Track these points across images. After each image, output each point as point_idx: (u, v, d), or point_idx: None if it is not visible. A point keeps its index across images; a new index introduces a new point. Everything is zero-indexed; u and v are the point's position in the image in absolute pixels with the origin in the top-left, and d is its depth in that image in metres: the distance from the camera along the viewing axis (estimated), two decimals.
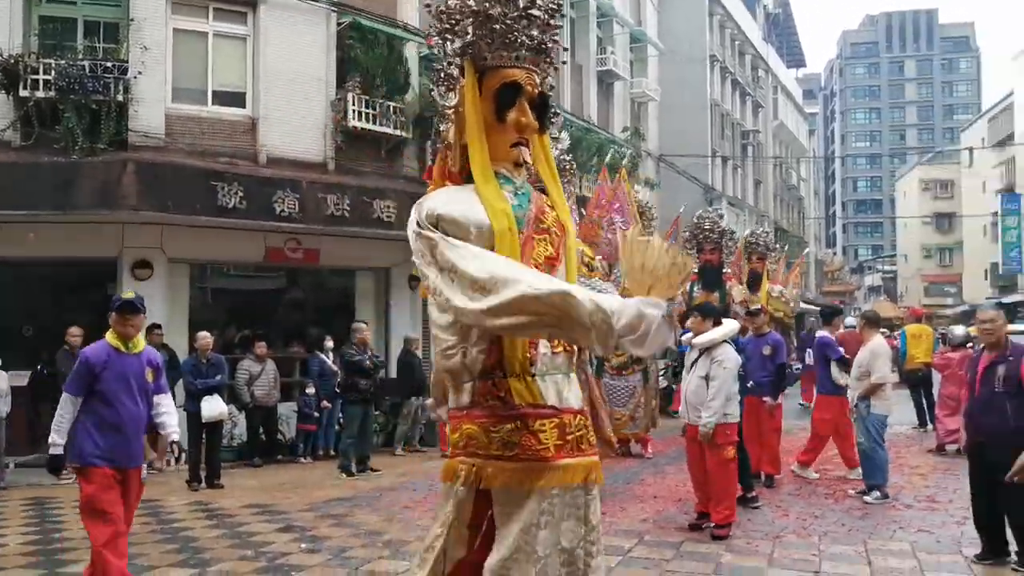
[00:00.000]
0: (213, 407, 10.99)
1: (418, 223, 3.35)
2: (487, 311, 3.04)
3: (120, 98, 12.66)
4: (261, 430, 13.26)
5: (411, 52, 16.37)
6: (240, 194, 12.98)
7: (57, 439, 5.61)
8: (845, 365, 10.37)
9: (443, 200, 3.43)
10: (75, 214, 12.33)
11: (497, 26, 3.51)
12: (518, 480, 3.30)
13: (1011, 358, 6.76)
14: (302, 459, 13.34)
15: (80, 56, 12.76)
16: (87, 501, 5.58)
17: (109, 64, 12.65)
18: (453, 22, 3.57)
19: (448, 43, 3.61)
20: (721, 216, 16.44)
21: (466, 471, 3.34)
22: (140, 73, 12.82)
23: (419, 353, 14.67)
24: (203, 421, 10.96)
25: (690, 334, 8.34)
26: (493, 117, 3.53)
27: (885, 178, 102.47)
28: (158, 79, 13.21)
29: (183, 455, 6.13)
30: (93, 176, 12.30)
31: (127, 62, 12.80)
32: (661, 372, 15.28)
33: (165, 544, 7.79)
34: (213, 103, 14.06)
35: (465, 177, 3.61)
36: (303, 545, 7.72)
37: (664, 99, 31.96)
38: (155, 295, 13.15)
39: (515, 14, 3.52)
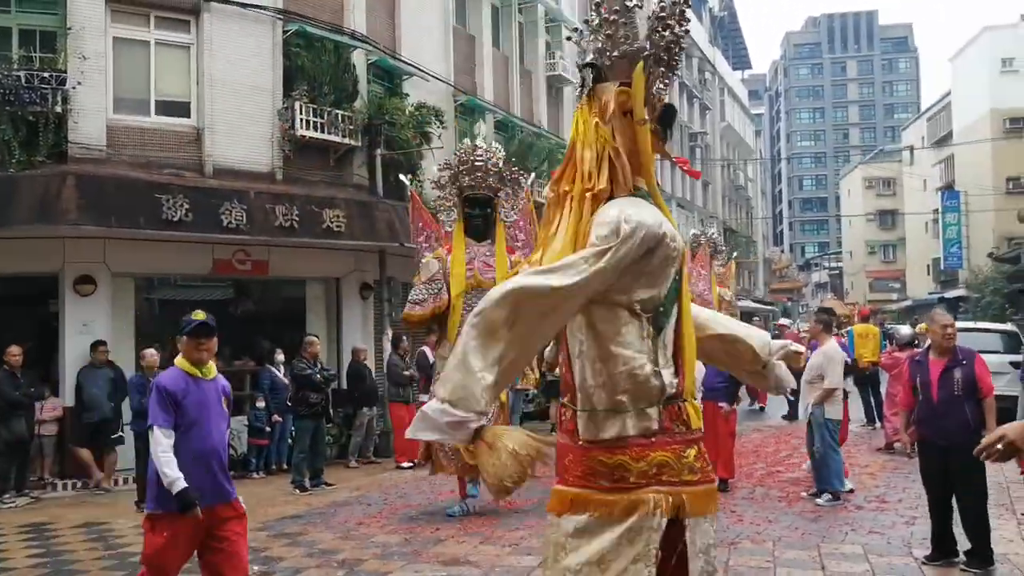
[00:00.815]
0: None
1: (650, 231, 3.22)
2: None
3: (58, 109, 12.33)
4: None
5: (359, 59, 16.22)
6: (186, 206, 12.71)
7: (171, 472, 4.89)
8: None
9: (651, 214, 3.31)
10: (13, 229, 11.98)
11: (673, 47, 3.50)
12: (705, 505, 3.37)
13: (964, 362, 6.98)
14: (254, 474, 13.11)
15: (15, 66, 12.38)
16: (150, 557, 5.05)
17: (46, 74, 12.30)
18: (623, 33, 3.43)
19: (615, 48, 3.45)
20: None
21: (664, 502, 3.25)
22: (79, 83, 12.49)
23: (368, 364, 14.51)
24: None
25: None
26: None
27: (830, 176, 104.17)
28: (98, 89, 12.88)
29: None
30: (31, 190, 11.96)
31: (65, 72, 12.45)
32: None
33: (112, 571, 7.59)
34: (156, 113, 13.76)
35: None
36: (256, 567, 7.53)
37: None
38: (99, 311, 12.89)
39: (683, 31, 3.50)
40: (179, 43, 14.08)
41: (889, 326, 22.60)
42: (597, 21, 3.43)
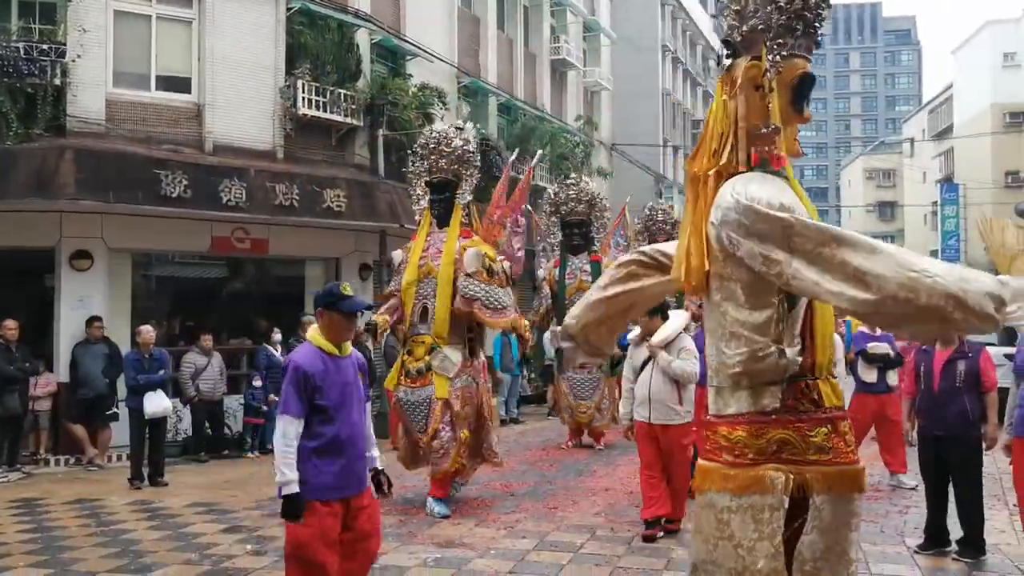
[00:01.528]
0: (156, 403, 10.64)
1: (769, 204, 3.14)
2: (874, 301, 2.89)
3: (57, 82, 12.18)
4: (207, 424, 12.93)
5: (362, 39, 16.10)
6: (185, 183, 12.59)
7: (290, 474, 4.51)
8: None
9: (775, 190, 3.23)
10: (9, 203, 11.85)
11: (807, 14, 3.39)
12: (838, 484, 3.28)
13: (970, 355, 7.04)
14: (249, 454, 13.03)
15: (14, 37, 12.21)
16: (297, 548, 4.62)
17: (46, 46, 12.14)
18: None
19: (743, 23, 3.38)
20: (672, 207, 16.30)
21: (785, 479, 3.22)
22: (79, 56, 12.33)
23: (369, 345, 14.42)
24: (146, 418, 10.61)
25: (636, 332, 7.99)
26: (789, 108, 3.42)
27: (831, 167, 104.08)
28: (98, 63, 12.74)
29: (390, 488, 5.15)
30: (29, 163, 11.84)
31: (65, 44, 12.30)
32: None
33: (104, 548, 7.50)
34: (156, 88, 13.62)
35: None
36: (249, 547, 7.50)
37: (617, 88, 31.97)
38: (95, 286, 12.79)
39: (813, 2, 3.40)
40: (181, 18, 13.92)
41: None
42: None
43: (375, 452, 5.03)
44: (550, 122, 23.84)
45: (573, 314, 4.70)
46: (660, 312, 7.71)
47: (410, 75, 17.29)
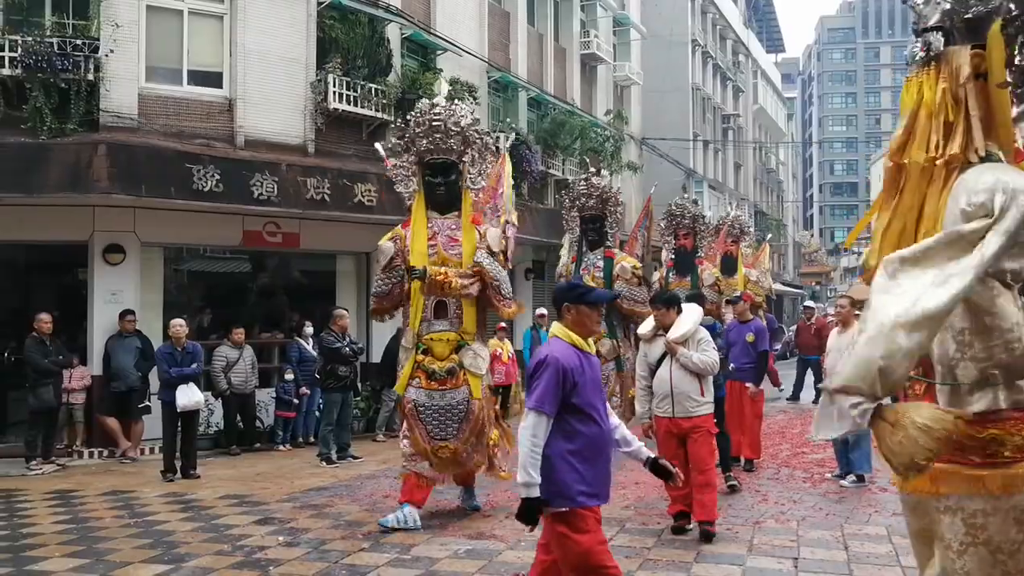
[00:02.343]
0: (189, 396, 10.68)
1: None
2: None
3: (90, 77, 12.24)
4: (238, 418, 12.99)
5: (393, 33, 16.09)
6: (216, 177, 12.63)
7: (534, 475, 4.17)
8: None
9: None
10: (43, 197, 11.93)
11: None
12: None
13: None
14: (281, 447, 13.08)
15: (48, 33, 12.27)
16: (584, 556, 4.20)
17: (79, 41, 12.21)
18: None
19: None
20: (695, 202, 16.18)
21: None
22: (112, 51, 12.39)
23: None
24: (178, 411, 10.66)
25: (650, 327, 7.73)
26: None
27: (860, 161, 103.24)
28: (131, 57, 12.81)
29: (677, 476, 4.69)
30: (62, 158, 11.90)
31: (98, 39, 12.36)
32: None
33: (138, 539, 7.52)
34: (188, 83, 13.67)
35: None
36: (281, 538, 7.49)
37: (646, 83, 31.78)
38: (127, 280, 12.86)
39: None
40: (212, 12, 13.98)
41: None
42: None
43: (638, 441, 4.68)
44: (580, 116, 23.72)
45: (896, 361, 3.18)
46: (675, 304, 7.57)
47: (440, 69, 17.26)
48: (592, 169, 13.40)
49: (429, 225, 8.19)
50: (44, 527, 8.01)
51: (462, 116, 8.33)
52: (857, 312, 15.48)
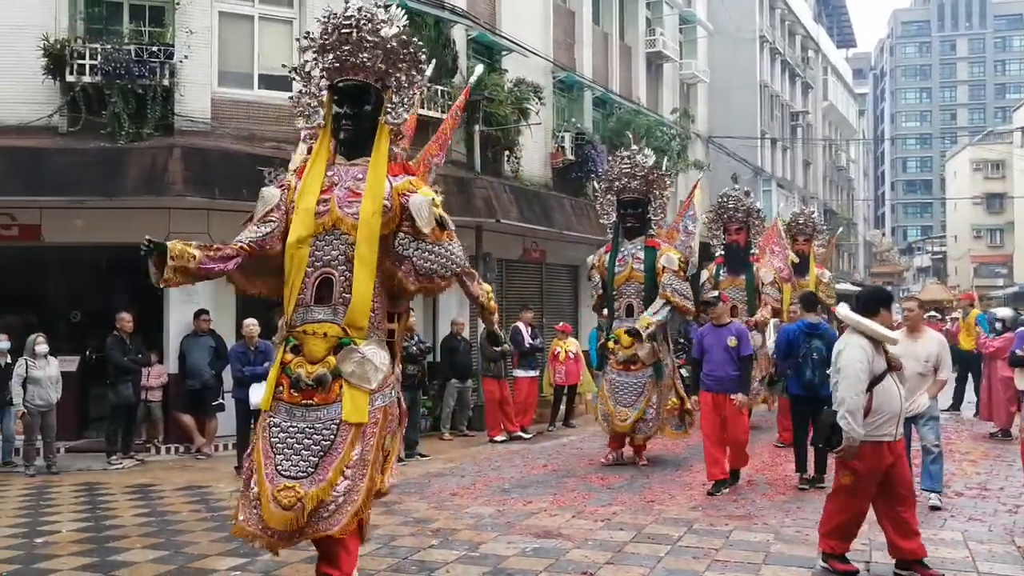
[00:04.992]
0: (261, 395, 10.85)
1: None
2: None
3: (166, 82, 12.59)
4: None
5: (459, 35, 16.18)
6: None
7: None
8: None
9: None
10: (122, 200, 12.27)
11: None
12: None
13: None
14: None
15: (126, 40, 12.69)
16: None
17: (155, 48, 12.57)
18: None
19: None
20: (748, 193, 14.60)
21: None
22: (186, 57, 12.74)
23: (465, 335, 14.54)
24: (251, 409, 10.87)
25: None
26: None
27: (935, 158, 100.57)
28: (204, 63, 13.13)
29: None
30: (139, 161, 12.26)
31: (173, 46, 12.72)
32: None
33: (215, 532, 7.74)
34: (260, 87, 13.96)
35: None
36: None
37: (713, 80, 31.49)
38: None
39: None
40: (282, 17, 14.26)
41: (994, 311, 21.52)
42: None
43: None
44: (646, 115, 23.60)
45: None
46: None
47: (506, 70, 17.32)
48: (635, 147, 11.69)
49: (329, 174, 5.59)
50: (125, 519, 8.27)
51: (383, 23, 5.62)
52: (929, 314, 14.94)
